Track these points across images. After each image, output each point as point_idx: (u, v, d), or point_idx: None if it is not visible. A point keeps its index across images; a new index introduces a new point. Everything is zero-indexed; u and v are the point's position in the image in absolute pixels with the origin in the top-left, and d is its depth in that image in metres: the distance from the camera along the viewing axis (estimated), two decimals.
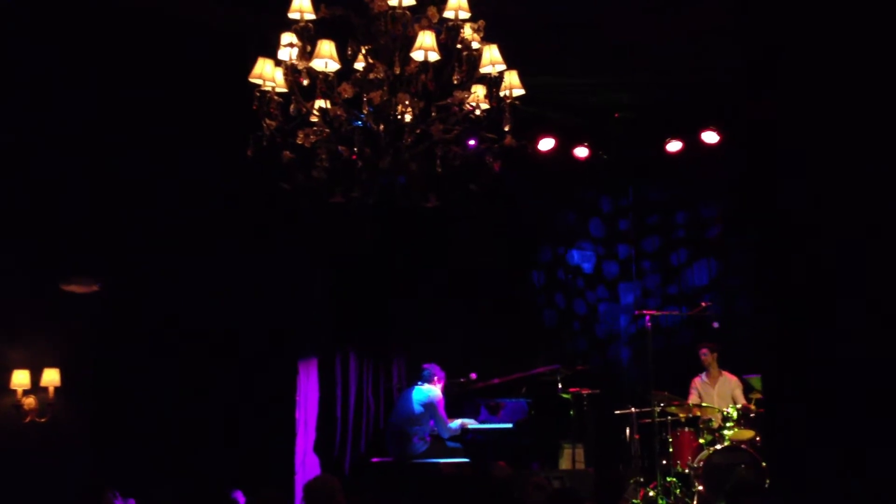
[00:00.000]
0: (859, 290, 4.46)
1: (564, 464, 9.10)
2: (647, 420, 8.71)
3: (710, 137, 9.78)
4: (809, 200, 4.72)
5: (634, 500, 8.49)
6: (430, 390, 8.53)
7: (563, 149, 10.23)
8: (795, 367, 4.70)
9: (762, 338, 5.35)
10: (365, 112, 5.23)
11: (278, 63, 5.28)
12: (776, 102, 4.98)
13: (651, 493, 8.42)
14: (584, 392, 9.04)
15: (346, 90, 5.16)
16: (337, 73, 5.20)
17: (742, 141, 8.94)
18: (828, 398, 4.51)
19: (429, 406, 8.39)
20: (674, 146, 10.08)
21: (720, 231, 10.40)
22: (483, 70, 5.20)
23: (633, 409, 8.90)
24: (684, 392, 9.07)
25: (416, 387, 8.61)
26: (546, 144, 10.10)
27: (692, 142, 9.92)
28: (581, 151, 10.30)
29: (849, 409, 4.41)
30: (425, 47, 4.98)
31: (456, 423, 8.52)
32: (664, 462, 8.47)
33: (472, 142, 6.29)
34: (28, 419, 7.28)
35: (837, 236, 4.57)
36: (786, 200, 4.87)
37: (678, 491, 8.34)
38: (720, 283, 10.29)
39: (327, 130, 5.24)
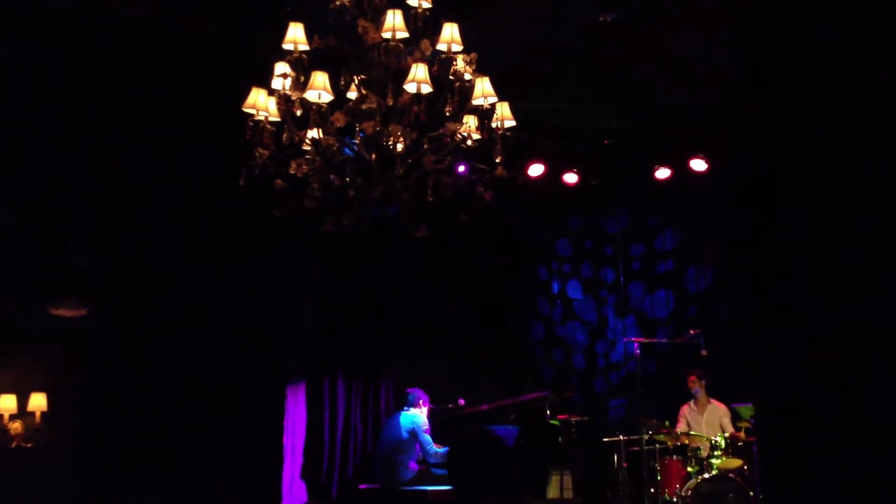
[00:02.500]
0: (861, 300, 4.45)
1: (552, 492, 9.06)
2: (636, 448, 8.70)
3: (698, 165, 9.86)
4: (808, 207, 4.70)
5: None
6: (415, 415, 8.52)
7: (553, 174, 10.28)
8: (788, 384, 4.68)
9: (756, 351, 5.30)
10: (357, 141, 5.26)
11: (272, 92, 5.30)
12: (772, 108, 4.98)
13: None
14: (573, 419, 9.02)
15: (339, 119, 5.19)
16: (330, 102, 5.24)
17: (732, 160, 9.02)
18: (824, 416, 4.50)
19: (413, 431, 8.38)
20: (662, 173, 10.14)
21: (711, 255, 10.46)
22: (475, 102, 5.24)
23: (621, 437, 8.90)
24: (672, 420, 9.08)
25: (403, 412, 8.59)
26: (535, 170, 10.15)
27: (681, 168, 9.98)
28: (570, 177, 10.36)
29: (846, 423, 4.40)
30: (418, 79, 5.02)
31: (443, 448, 8.50)
32: (652, 490, 8.44)
33: (461, 168, 6.31)
34: (14, 444, 7.26)
35: (835, 240, 4.56)
36: (783, 207, 4.86)
37: None
38: (710, 309, 10.35)
39: (319, 160, 5.26)
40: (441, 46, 5.12)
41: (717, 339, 9.65)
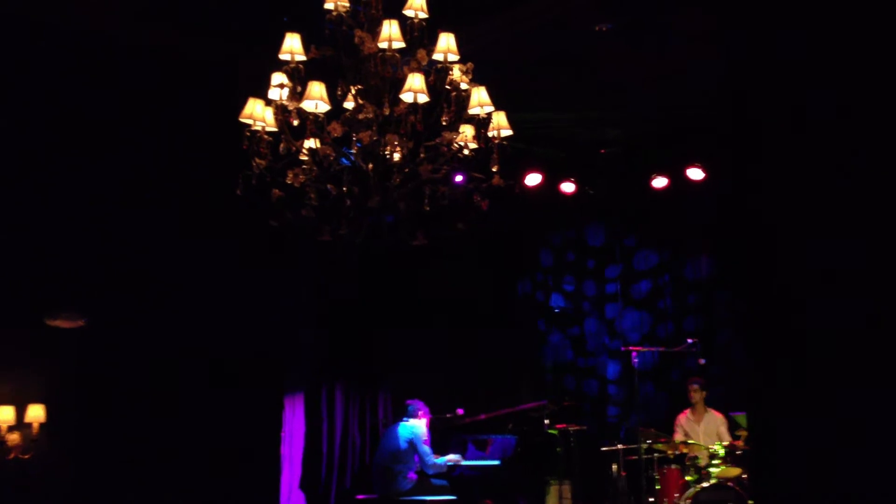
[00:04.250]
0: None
1: (551, 501, 9.06)
2: (634, 457, 8.68)
3: (695, 174, 9.86)
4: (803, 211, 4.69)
5: None
6: (415, 426, 8.52)
7: (550, 184, 10.28)
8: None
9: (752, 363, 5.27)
10: (354, 150, 5.27)
11: (269, 102, 5.32)
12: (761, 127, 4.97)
13: None
14: (572, 428, 9.01)
15: (336, 129, 5.20)
16: (327, 112, 5.25)
17: (727, 168, 9.01)
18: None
19: (412, 441, 8.38)
20: (659, 182, 10.14)
21: (707, 266, 10.46)
22: (471, 111, 5.25)
23: (619, 446, 8.89)
24: (669, 428, 9.07)
25: (402, 423, 8.59)
26: (533, 180, 10.16)
27: (678, 178, 9.98)
28: (567, 187, 10.37)
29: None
30: (414, 89, 5.03)
31: (442, 459, 8.49)
32: (651, 499, 8.44)
33: (458, 178, 6.33)
34: (12, 456, 7.23)
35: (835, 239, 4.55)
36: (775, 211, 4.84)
37: None
38: (708, 321, 10.35)
39: (315, 170, 5.27)
40: (437, 56, 5.13)
41: (713, 347, 9.68)
